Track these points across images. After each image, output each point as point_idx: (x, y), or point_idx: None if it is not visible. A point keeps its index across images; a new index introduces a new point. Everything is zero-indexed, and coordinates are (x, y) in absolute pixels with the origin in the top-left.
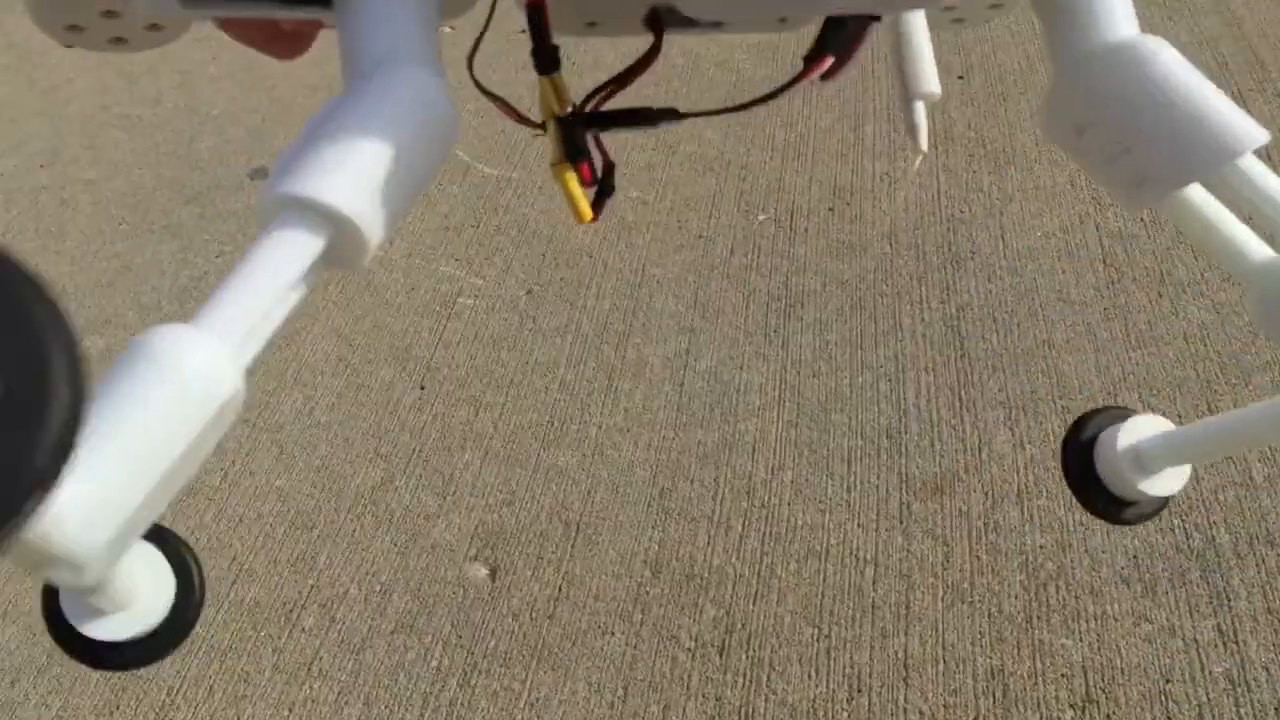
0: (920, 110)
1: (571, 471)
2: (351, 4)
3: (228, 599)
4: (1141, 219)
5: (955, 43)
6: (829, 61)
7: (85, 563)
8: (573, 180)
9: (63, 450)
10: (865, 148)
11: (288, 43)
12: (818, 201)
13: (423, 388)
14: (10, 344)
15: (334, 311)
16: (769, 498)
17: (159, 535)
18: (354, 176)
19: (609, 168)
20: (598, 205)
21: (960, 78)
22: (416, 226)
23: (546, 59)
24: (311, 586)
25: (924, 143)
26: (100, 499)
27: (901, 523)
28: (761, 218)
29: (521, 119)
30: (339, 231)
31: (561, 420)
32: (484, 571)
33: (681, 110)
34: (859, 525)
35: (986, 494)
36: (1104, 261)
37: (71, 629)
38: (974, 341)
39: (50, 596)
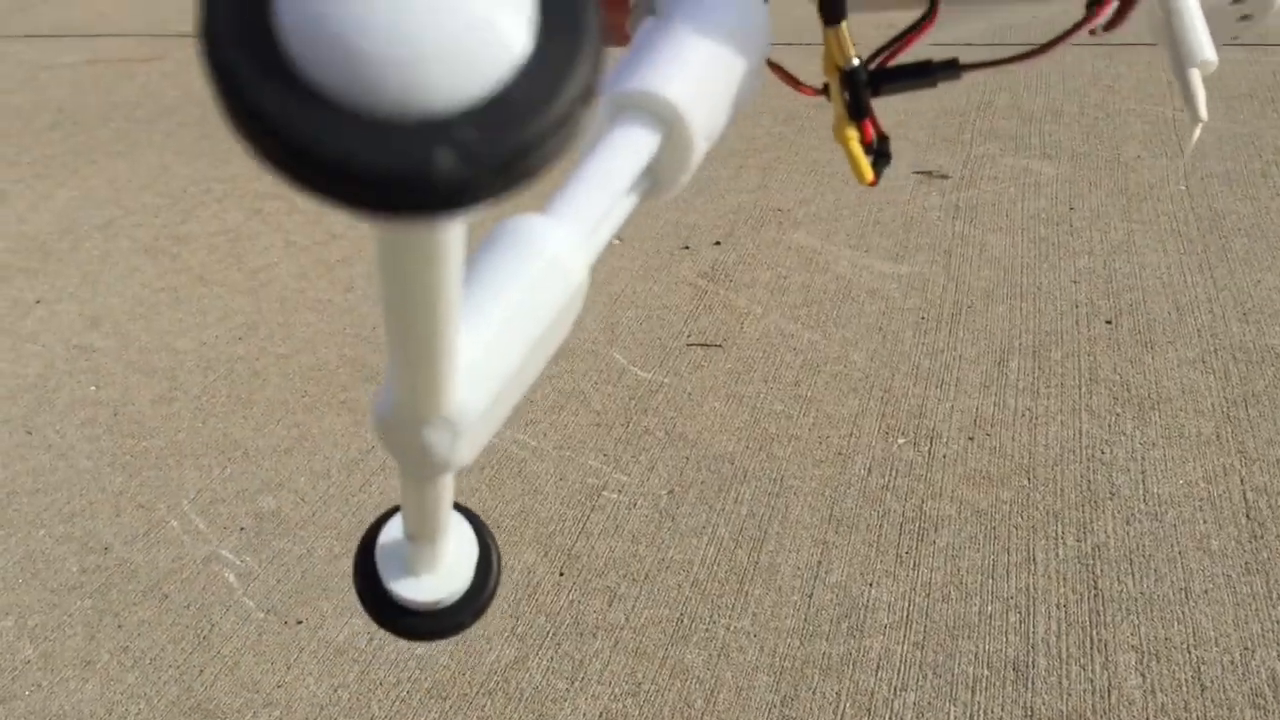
0: (1196, 78)
1: (696, 670)
2: None
3: None
4: None
5: (1106, 289)
6: (1111, 6)
7: (461, 424)
8: (855, 140)
9: (595, 74)
10: (1009, 382)
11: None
12: (958, 430)
13: (562, 574)
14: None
15: (485, 494)
16: (890, 717)
17: (474, 520)
18: (683, 72)
19: (884, 138)
20: (876, 170)
21: (1108, 323)
22: (570, 421)
23: (834, 7)
24: None
25: (1203, 110)
26: (480, 362)
27: None
28: (901, 441)
29: (798, 84)
30: (670, 129)
31: (691, 618)
32: None
33: (962, 62)
34: None
35: None
36: (1247, 515)
37: (377, 579)
38: (1109, 582)
39: (368, 545)
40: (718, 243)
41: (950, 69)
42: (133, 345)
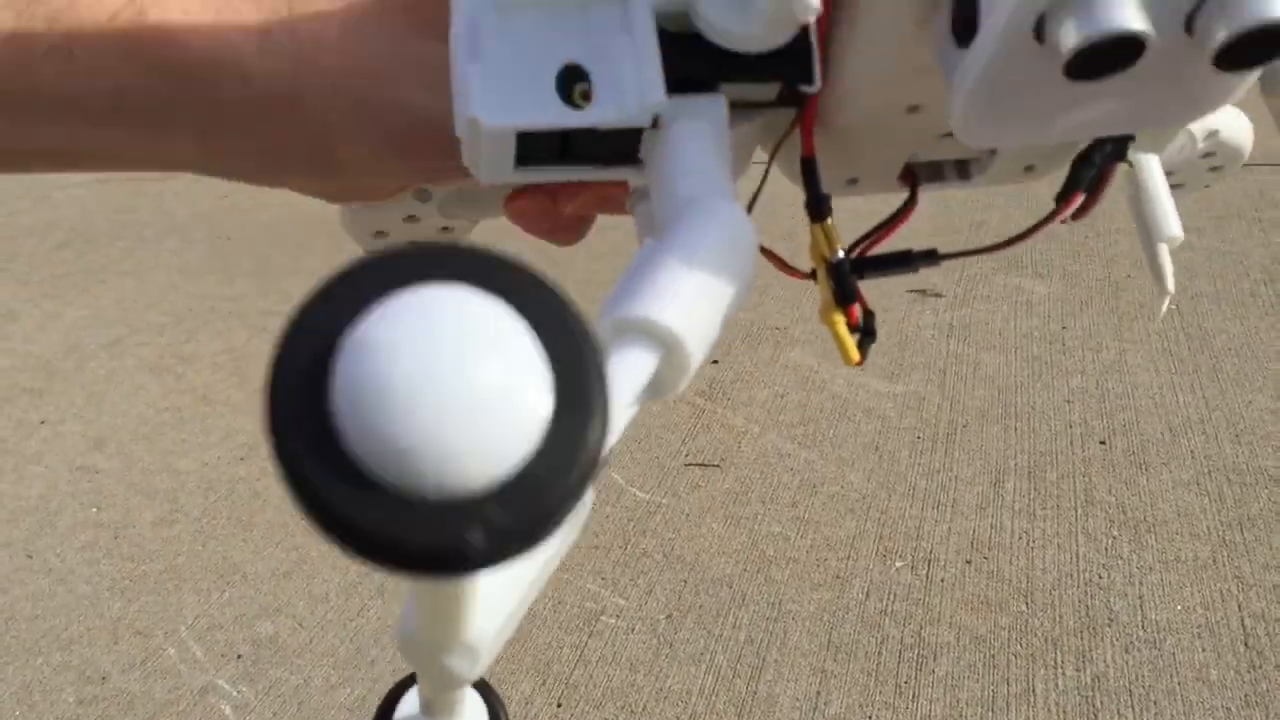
0: (1164, 252)
1: None
2: (661, 157)
3: None
4: None
5: (1100, 408)
6: (1079, 199)
7: (481, 649)
8: (842, 324)
9: (605, 435)
10: (1005, 504)
11: (569, 232)
12: (955, 553)
13: (559, 705)
14: (564, 356)
15: None
16: None
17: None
18: (679, 299)
19: (869, 315)
20: (861, 349)
21: (1102, 443)
22: None
23: (819, 207)
24: None
25: (1170, 284)
26: (496, 593)
27: None
28: (899, 565)
29: (789, 269)
30: (668, 351)
31: None
32: None
33: (940, 252)
34: None
35: None
36: (1245, 643)
37: None
38: (1109, 715)
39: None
40: (715, 361)
41: (930, 257)
42: (135, 466)
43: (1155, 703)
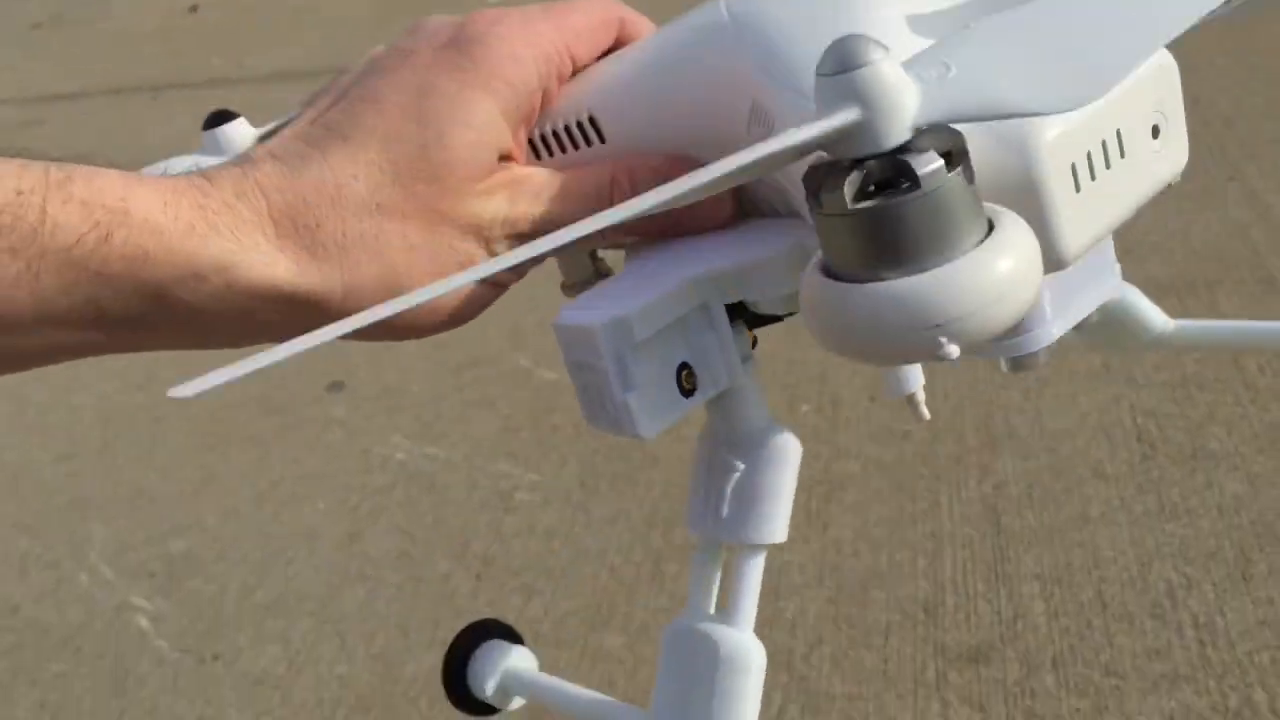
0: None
1: (617, 652)
2: (732, 398)
3: None
4: (1174, 398)
5: None
6: None
7: None
8: None
9: None
10: None
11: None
12: (859, 391)
13: (478, 578)
14: None
15: (396, 511)
16: (808, 671)
17: None
18: (784, 518)
19: None
20: None
21: None
22: (478, 431)
23: None
24: None
25: (925, 413)
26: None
27: (938, 690)
28: (805, 409)
29: None
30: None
31: (610, 605)
32: None
33: None
34: (896, 695)
35: (1022, 663)
36: (1138, 438)
37: None
38: (1010, 518)
39: None
40: None
41: None
42: (30, 408)
43: (1054, 500)
